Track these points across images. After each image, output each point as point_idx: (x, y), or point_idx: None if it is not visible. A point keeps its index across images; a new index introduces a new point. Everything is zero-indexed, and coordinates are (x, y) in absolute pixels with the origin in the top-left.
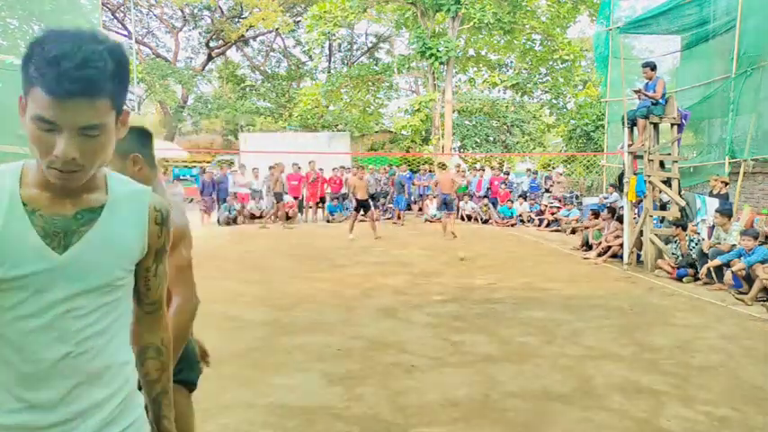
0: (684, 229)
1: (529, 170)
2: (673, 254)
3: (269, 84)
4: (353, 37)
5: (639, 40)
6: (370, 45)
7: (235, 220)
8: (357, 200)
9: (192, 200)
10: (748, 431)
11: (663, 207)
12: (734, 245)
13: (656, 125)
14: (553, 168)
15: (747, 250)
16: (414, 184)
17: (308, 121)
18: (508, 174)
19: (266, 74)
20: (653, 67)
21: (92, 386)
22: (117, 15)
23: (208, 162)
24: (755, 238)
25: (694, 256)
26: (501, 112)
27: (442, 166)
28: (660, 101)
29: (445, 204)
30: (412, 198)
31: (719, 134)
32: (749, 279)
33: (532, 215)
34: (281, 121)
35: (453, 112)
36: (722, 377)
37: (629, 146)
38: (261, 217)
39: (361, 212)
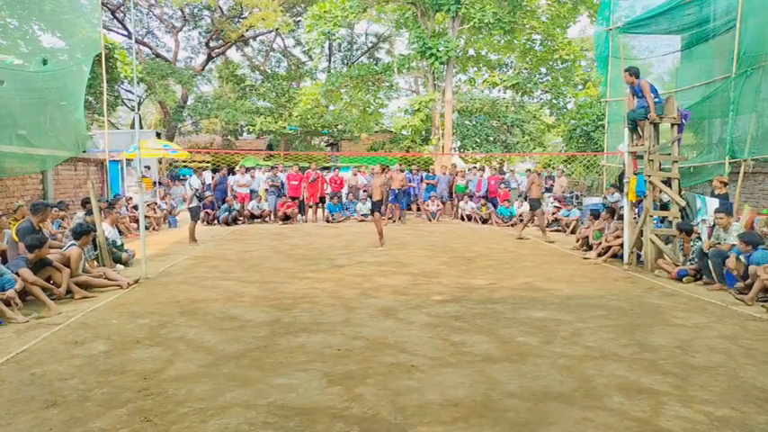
0: (689, 234)
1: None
2: (685, 256)
3: (269, 84)
4: (353, 37)
5: (639, 40)
6: (370, 45)
7: (235, 220)
8: (534, 199)
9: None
10: (748, 431)
11: (663, 207)
12: (733, 245)
13: (656, 125)
14: (554, 168)
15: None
16: (410, 184)
17: (308, 120)
18: (504, 173)
19: (266, 74)
20: (635, 74)
21: None
22: (117, 15)
23: (207, 162)
24: (754, 245)
25: (694, 255)
26: (501, 112)
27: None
28: (656, 100)
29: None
30: (411, 198)
31: (719, 134)
32: (748, 278)
33: None
34: (281, 120)
35: (453, 112)
36: (722, 377)
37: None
38: (261, 217)
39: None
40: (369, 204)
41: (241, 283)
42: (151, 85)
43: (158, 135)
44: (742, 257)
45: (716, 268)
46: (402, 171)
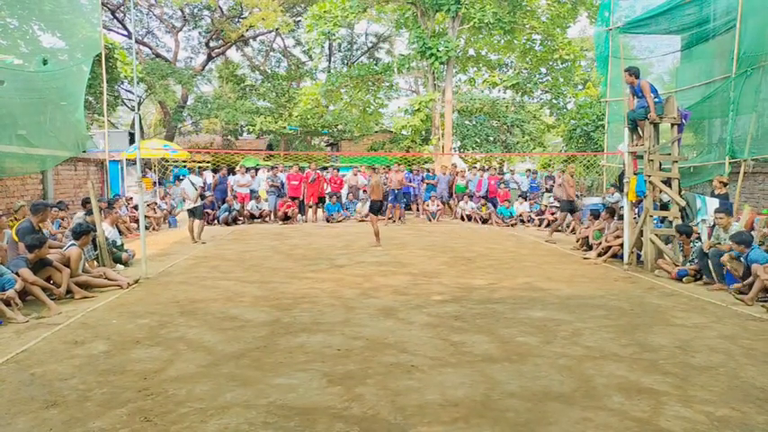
0: (689, 236)
1: (529, 170)
2: (685, 257)
3: (269, 84)
4: (353, 37)
5: (639, 40)
6: (370, 45)
7: (235, 220)
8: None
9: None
10: (748, 431)
11: (663, 207)
12: None
13: (656, 125)
14: (554, 168)
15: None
16: (410, 184)
17: (308, 120)
18: (503, 174)
19: (266, 74)
20: (635, 74)
21: None
22: (117, 15)
23: (207, 162)
24: (747, 244)
25: (695, 256)
26: (501, 112)
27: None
28: (656, 100)
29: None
30: (411, 198)
31: (719, 134)
32: (748, 278)
33: (532, 215)
34: (281, 120)
35: (453, 112)
36: (722, 377)
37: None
38: (261, 217)
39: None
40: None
41: (241, 283)
42: (151, 85)
43: (131, 136)
44: (742, 258)
45: (716, 268)
46: (400, 171)
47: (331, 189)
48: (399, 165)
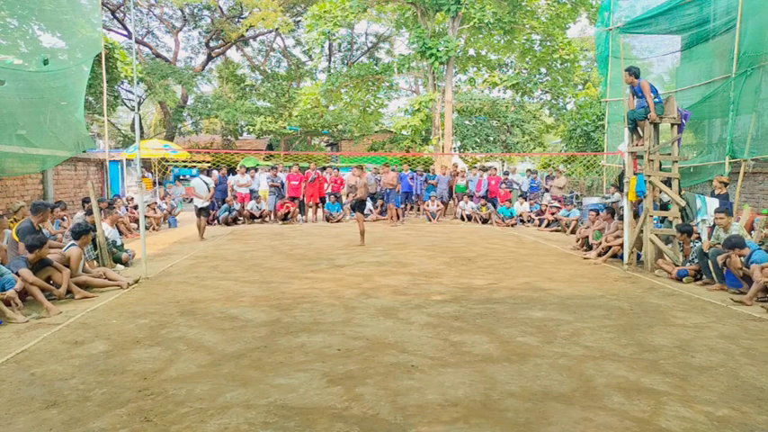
0: (689, 235)
1: (529, 170)
2: (685, 257)
3: (269, 84)
4: (353, 37)
5: (639, 40)
6: (370, 45)
7: (235, 220)
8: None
9: (191, 200)
10: (748, 431)
11: (663, 207)
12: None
13: (656, 125)
14: (554, 168)
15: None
16: (409, 181)
17: (308, 120)
18: (507, 174)
19: (266, 74)
20: (635, 74)
21: None
22: (117, 15)
23: (207, 162)
24: (739, 247)
25: (695, 256)
26: (501, 112)
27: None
28: (656, 100)
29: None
30: (413, 197)
31: (719, 134)
32: (749, 279)
33: (532, 215)
34: (281, 120)
35: (453, 112)
36: (722, 377)
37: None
38: (261, 217)
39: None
40: (369, 204)
41: (241, 283)
42: (151, 85)
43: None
44: (741, 258)
45: (716, 268)
46: (393, 170)
47: (331, 189)
48: (388, 165)
